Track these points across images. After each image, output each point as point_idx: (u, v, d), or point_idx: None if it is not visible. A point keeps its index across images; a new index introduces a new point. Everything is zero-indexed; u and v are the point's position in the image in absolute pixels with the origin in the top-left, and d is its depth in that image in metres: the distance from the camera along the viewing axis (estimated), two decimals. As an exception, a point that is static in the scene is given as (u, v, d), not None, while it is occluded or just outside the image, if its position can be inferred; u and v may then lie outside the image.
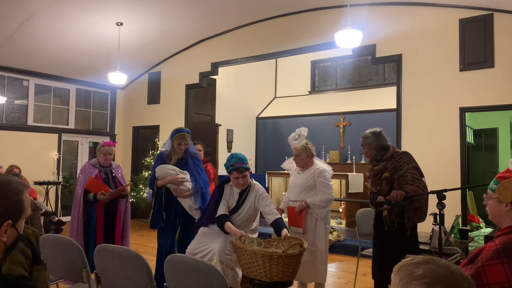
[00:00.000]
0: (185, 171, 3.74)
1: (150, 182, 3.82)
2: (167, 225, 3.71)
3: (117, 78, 7.40)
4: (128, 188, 4.19)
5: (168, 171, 3.66)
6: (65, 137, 9.05)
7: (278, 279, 2.73)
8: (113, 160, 4.25)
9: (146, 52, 8.60)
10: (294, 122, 10.32)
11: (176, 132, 3.80)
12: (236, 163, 3.33)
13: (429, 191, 2.99)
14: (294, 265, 2.76)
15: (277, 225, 3.24)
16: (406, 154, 3.32)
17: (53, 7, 6.38)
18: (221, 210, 3.36)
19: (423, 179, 3.23)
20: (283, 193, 8.71)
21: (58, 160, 8.75)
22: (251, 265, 2.78)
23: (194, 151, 3.94)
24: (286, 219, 3.71)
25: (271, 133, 11.37)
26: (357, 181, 8.18)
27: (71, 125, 9.19)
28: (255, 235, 3.46)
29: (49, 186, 8.33)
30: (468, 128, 8.22)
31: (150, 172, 8.30)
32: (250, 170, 3.50)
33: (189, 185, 3.70)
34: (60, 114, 9.05)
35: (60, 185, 8.71)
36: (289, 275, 2.76)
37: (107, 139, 4.97)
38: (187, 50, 8.78)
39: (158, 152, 8.29)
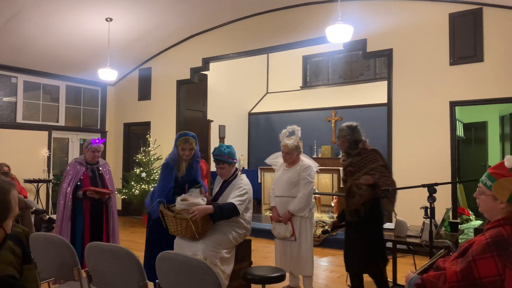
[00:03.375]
0: (203, 198, 3.41)
1: (159, 194, 3.45)
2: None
3: (107, 74, 7.33)
4: (109, 195, 4.07)
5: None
6: (55, 134, 8.96)
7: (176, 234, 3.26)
8: (103, 157, 4.22)
9: (136, 48, 8.52)
10: (286, 118, 10.34)
11: (179, 136, 3.51)
12: (215, 154, 3.43)
13: (420, 184, 3.01)
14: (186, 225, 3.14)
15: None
16: (375, 151, 3.32)
17: (42, 3, 6.29)
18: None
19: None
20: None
21: (49, 157, 8.67)
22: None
23: (198, 155, 3.66)
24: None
25: (263, 129, 11.36)
26: (349, 175, 8.21)
27: (61, 122, 9.10)
28: (242, 231, 3.43)
29: (40, 184, 8.25)
30: (458, 122, 8.29)
31: (141, 169, 8.24)
32: (233, 164, 3.47)
33: (202, 202, 3.34)
34: (50, 111, 8.94)
35: (50, 183, 8.64)
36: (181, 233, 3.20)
37: (97, 136, 4.93)
38: (178, 45, 8.72)
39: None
